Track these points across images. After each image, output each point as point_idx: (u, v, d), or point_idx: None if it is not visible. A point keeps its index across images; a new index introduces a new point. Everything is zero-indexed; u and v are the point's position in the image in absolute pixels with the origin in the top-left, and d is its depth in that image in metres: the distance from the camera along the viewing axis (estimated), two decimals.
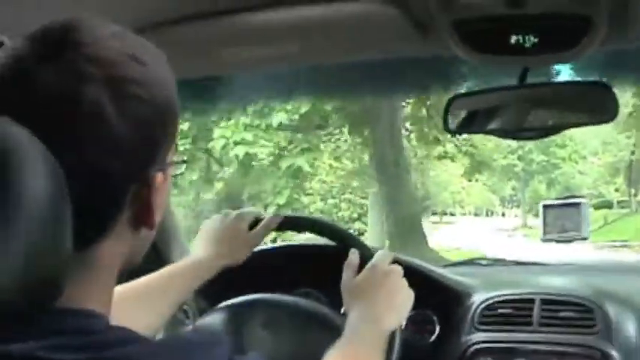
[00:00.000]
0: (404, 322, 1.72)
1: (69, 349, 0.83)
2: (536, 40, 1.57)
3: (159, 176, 0.95)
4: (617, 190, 37.20)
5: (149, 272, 1.82)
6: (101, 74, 0.86)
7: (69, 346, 0.83)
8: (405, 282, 1.67)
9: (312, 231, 1.97)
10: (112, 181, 0.88)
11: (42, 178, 0.77)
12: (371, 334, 1.53)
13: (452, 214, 49.36)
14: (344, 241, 1.89)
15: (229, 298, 1.98)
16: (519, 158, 39.42)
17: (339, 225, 2.05)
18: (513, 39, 1.58)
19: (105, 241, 0.93)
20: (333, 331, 1.65)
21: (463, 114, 1.95)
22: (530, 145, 37.86)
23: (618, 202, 35.79)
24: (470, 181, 46.57)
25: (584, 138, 36.44)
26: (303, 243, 2.24)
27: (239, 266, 2.02)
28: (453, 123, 1.93)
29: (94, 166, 0.85)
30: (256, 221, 1.86)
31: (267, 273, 2.08)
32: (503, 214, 46.95)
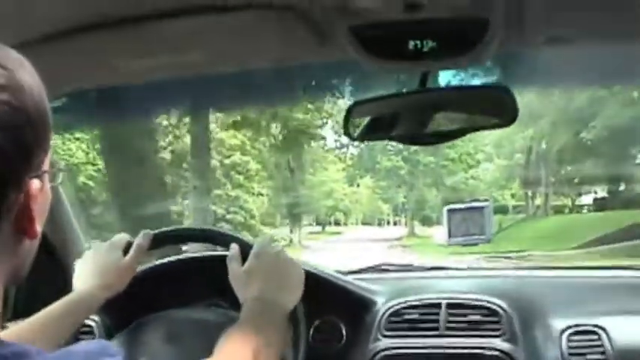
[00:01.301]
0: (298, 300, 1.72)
1: None
2: (434, 44, 1.58)
3: (34, 183, 0.93)
4: (513, 195, 37.43)
5: (48, 281, 1.79)
6: None
7: None
8: (293, 261, 1.73)
9: (183, 240, 1.97)
10: None
11: None
12: (266, 315, 1.56)
13: (337, 224, 50.18)
14: (218, 239, 1.91)
15: (134, 314, 1.95)
16: (404, 160, 39.18)
17: (209, 228, 2.05)
18: (411, 44, 1.58)
19: None
20: None
21: (364, 121, 1.94)
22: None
23: (514, 207, 36.02)
24: (351, 186, 47.48)
25: (477, 144, 36.63)
26: (205, 254, 2.21)
27: (142, 281, 2.00)
28: (354, 130, 1.92)
29: None
30: (128, 246, 1.85)
31: (172, 286, 2.05)
32: (395, 223, 47.50)
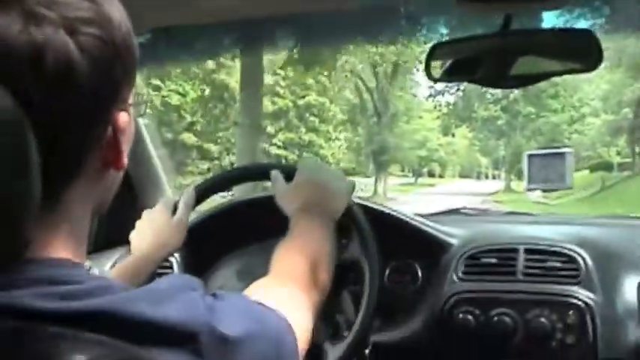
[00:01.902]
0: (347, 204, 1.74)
1: (51, 298, 0.83)
2: None
3: (122, 116, 0.96)
4: (618, 152, 35.59)
5: (127, 215, 1.83)
6: (56, 16, 0.85)
7: (51, 295, 0.83)
8: (336, 171, 1.76)
9: (224, 187, 1.98)
10: (76, 122, 0.87)
11: (4, 122, 0.76)
12: (314, 224, 1.58)
13: (432, 175, 48.55)
14: (263, 171, 1.89)
15: (214, 251, 2.00)
16: (503, 109, 37.80)
17: (246, 165, 2.06)
18: None
19: (75, 183, 0.93)
20: None
21: (446, 62, 1.92)
22: (516, 93, 36.21)
23: (619, 165, 34.21)
24: (446, 135, 45.78)
25: (582, 96, 34.95)
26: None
27: (222, 218, 2.04)
28: (435, 71, 1.91)
29: (58, 105, 0.84)
30: (176, 204, 1.88)
31: (252, 224, 2.08)
32: (493, 177, 45.79)
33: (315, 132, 30.08)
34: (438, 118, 44.06)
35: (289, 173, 1.77)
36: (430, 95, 42.68)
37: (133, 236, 1.84)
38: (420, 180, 46.01)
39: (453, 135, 45.35)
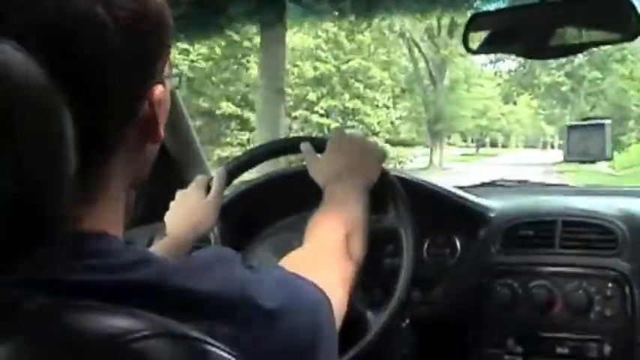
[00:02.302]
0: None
1: (89, 271, 0.84)
2: None
3: (158, 88, 0.95)
4: None
5: (166, 188, 1.85)
6: None
7: (89, 267, 0.84)
8: (368, 140, 1.76)
9: (255, 163, 1.98)
10: (112, 94, 0.87)
11: (38, 98, 0.76)
12: (348, 194, 1.58)
13: (494, 145, 45.79)
14: (293, 145, 1.89)
15: (252, 224, 2.01)
16: (567, 75, 35.93)
17: (276, 140, 2.06)
18: None
19: (113, 158, 0.93)
20: None
21: (484, 33, 1.92)
22: (581, 58, 34.05)
23: None
24: (507, 104, 43.02)
25: None
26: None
27: (258, 192, 2.05)
28: (473, 42, 1.90)
29: (94, 80, 0.84)
30: (209, 184, 1.89)
31: (289, 197, 2.09)
32: (560, 147, 40.20)
33: (360, 99, 28.72)
34: (498, 85, 42.16)
35: (320, 145, 1.77)
36: (490, 62, 41.71)
37: (167, 218, 1.86)
38: (483, 150, 44.21)
39: (515, 103, 43.34)
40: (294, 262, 1.20)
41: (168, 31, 0.97)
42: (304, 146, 1.81)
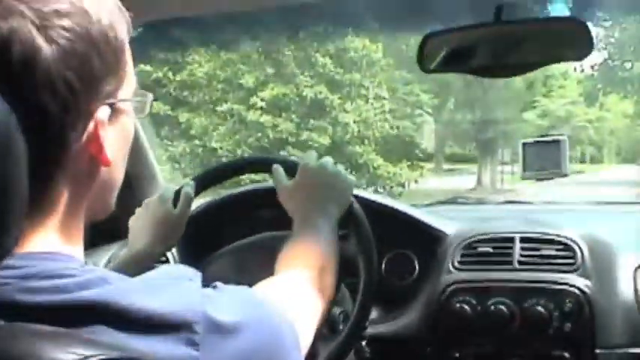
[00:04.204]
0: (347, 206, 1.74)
1: (42, 292, 0.83)
2: None
3: (103, 110, 0.94)
4: None
5: (123, 213, 1.83)
6: (27, 8, 0.85)
7: (42, 289, 0.83)
8: (339, 170, 1.74)
9: (229, 176, 1.98)
10: (52, 116, 0.87)
11: None
12: (316, 224, 1.59)
13: (582, 161, 36.84)
14: (265, 164, 1.89)
15: (202, 253, 2.00)
16: None
17: (248, 156, 2.05)
18: None
19: (62, 181, 0.92)
20: None
21: (440, 53, 1.92)
22: None
23: None
24: (590, 106, 33.54)
25: None
26: (268, 184, 2.23)
27: (216, 211, 2.04)
28: (428, 62, 1.91)
29: (31, 103, 0.84)
30: (177, 195, 1.86)
31: (235, 220, 2.09)
32: None
33: (329, 84, 20.98)
34: (579, 83, 33.89)
35: (291, 168, 1.77)
36: None
37: (132, 227, 1.83)
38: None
39: (601, 106, 34.53)
40: (263, 289, 1.19)
41: (116, 53, 0.95)
42: (275, 168, 1.79)
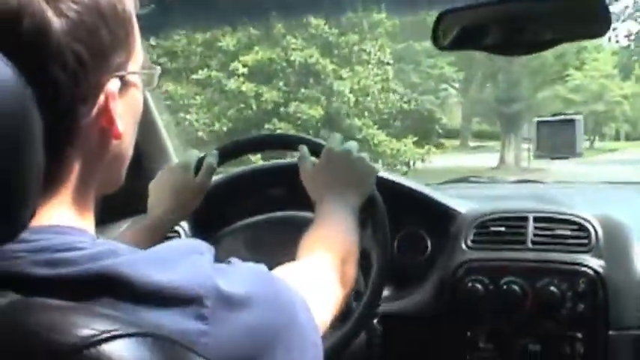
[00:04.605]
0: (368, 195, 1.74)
1: (54, 265, 0.84)
2: None
3: (113, 82, 0.95)
4: None
5: (132, 190, 1.83)
6: None
7: (54, 262, 0.84)
8: (363, 156, 1.74)
9: (252, 150, 1.97)
10: (62, 89, 0.88)
11: (7, 91, 0.76)
12: (339, 211, 1.59)
13: (617, 138, 34.14)
14: (289, 142, 1.90)
15: (216, 227, 2.00)
16: None
17: (273, 133, 2.05)
18: None
19: (71, 151, 0.93)
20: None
21: (454, 30, 1.91)
22: None
23: None
24: (626, 79, 31.02)
25: None
26: (280, 162, 2.23)
27: (228, 188, 2.04)
28: (443, 39, 1.90)
29: (42, 76, 0.85)
30: (200, 162, 1.86)
31: (251, 196, 2.08)
32: None
33: (320, 48, 19.25)
34: (614, 54, 31.61)
35: (316, 149, 1.77)
36: None
37: (151, 191, 1.83)
38: (600, 145, 32.91)
39: (637, 79, 31.21)
40: (286, 273, 1.18)
41: (124, 26, 0.96)
42: (302, 150, 1.80)
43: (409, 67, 25.11)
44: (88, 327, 0.76)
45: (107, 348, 0.75)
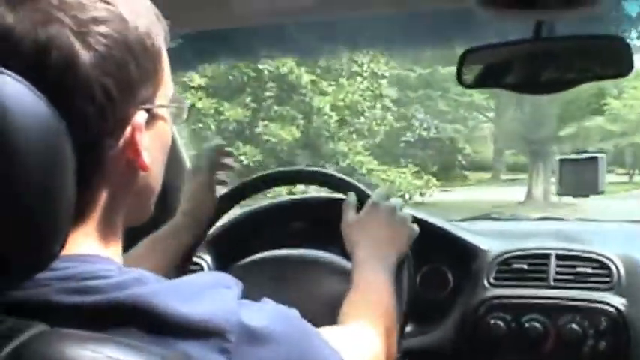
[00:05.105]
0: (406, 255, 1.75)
1: (81, 293, 0.85)
2: None
3: (140, 115, 0.96)
4: None
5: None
6: (65, 16, 0.87)
7: (80, 290, 0.85)
8: (406, 216, 1.74)
9: (297, 182, 1.99)
10: (90, 122, 0.89)
11: (43, 125, 0.78)
12: (380, 274, 1.59)
13: None
14: (339, 186, 1.92)
15: (239, 255, 2.01)
16: None
17: (327, 171, 2.07)
18: None
19: (101, 185, 0.95)
20: (342, 275, 1.69)
21: (478, 68, 1.93)
22: None
23: None
24: None
25: None
26: (312, 196, 2.24)
27: (251, 222, 2.06)
28: (467, 77, 1.92)
29: (69, 108, 0.85)
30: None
31: (279, 228, 2.10)
32: None
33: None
34: None
35: (361, 198, 1.79)
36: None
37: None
38: None
39: None
40: (331, 334, 1.18)
41: (152, 60, 0.97)
42: (349, 197, 1.81)
43: (436, 94, 23.55)
44: (112, 358, 0.77)
45: None
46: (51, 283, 0.85)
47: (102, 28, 0.89)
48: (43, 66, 0.85)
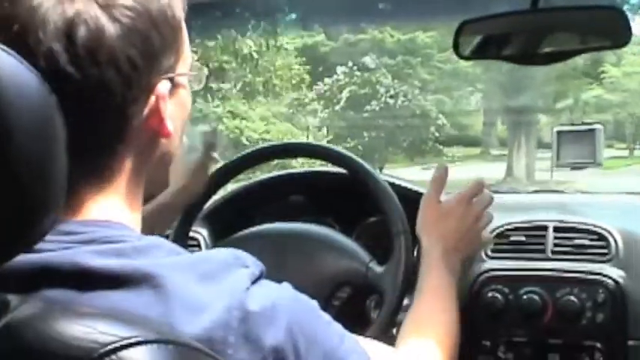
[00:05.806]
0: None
1: (106, 255, 0.88)
2: None
3: (164, 84, 0.99)
4: None
5: None
6: None
7: (106, 252, 0.88)
8: (490, 218, 1.81)
9: (299, 155, 1.98)
10: (115, 92, 0.92)
11: (34, 99, 0.78)
12: (447, 275, 1.69)
13: None
14: (329, 156, 1.93)
15: (238, 228, 2.00)
16: None
17: (319, 143, 2.06)
18: None
19: (125, 154, 0.99)
20: (341, 253, 1.69)
21: (475, 40, 1.92)
22: None
23: None
24: None
25: None
26: (310, 170, 2.24)
27: (247, 196, 2.05)
28: (464, 48, 1.91)
29: (97, 80, 0.90)
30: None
31: (276, 202, 2.09)
32: None
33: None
34: None
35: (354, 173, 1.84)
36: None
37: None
38: None
39: None
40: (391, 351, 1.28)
41: (174, 30, 1.01)
42: (440, 171, 1.84)
43: (416, 61, 22.29)
44: (107, 333, 0.77)
45: (127, 355, 0.76)
46: (73, 245, 0.88)
47: (126, 1, 0.92)
48: (71, 40, 0.88)
